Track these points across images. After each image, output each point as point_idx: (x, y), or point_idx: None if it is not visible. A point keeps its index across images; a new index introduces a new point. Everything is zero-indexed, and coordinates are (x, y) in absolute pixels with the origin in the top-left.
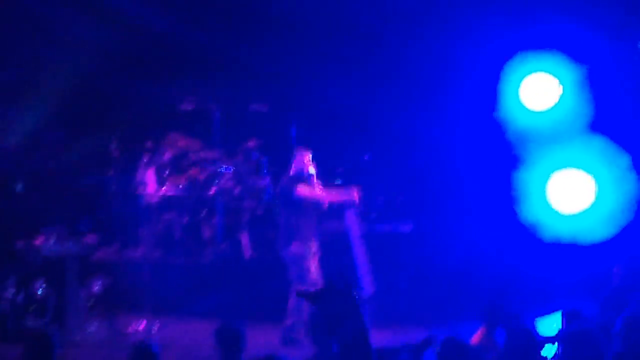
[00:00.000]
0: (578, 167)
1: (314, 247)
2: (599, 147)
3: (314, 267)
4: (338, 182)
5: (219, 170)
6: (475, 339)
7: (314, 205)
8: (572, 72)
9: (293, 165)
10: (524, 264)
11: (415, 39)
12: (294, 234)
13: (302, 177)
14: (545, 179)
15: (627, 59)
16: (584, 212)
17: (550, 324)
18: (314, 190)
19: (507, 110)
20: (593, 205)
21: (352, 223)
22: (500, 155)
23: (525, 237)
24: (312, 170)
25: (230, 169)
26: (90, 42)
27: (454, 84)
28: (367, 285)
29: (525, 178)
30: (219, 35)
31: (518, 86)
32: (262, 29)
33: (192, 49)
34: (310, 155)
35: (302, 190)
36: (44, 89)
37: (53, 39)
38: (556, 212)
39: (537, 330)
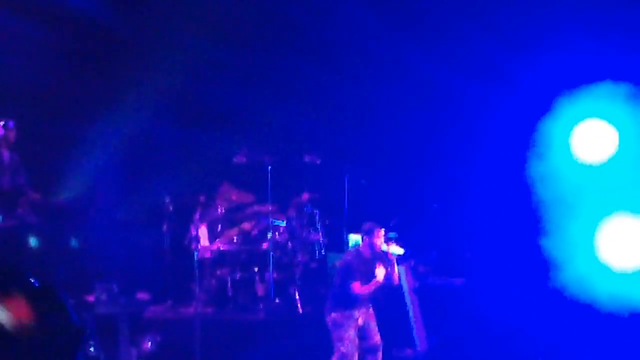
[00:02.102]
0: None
1: (357, 315)
2: None
3: (349, 337)
4: (392, 235)
5: (271, 224)
6: None
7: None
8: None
9: (364, 243)
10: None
11: (469, 88)
12: (339, 301)
13: (374, 257)
14: (594, 230)
15: None
16: None
17: None
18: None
19: (554, 162)
20: None
21: (405, 278)
22: (547, 211)
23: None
24: (393, 250)
25: (283, 223)
26: (143, 95)
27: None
28: (421, 340)
29: (572, 232)
30: (269, 89)
31: (568, 135)
32: (312, 81)
33: (244, 103)
34: (383, 232)
35: (358, 286)
36: (98, 143)
37: (104, 94)
38: (609, 268)
39: None
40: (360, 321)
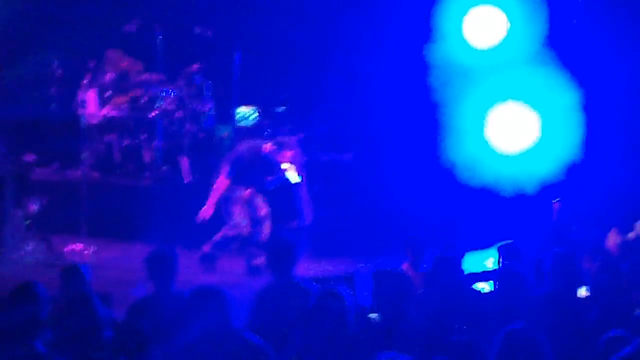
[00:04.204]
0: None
1: (244, 189)
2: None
3: (237, 211)
4: (282, 109)
5: (161, 93)
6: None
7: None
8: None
9: (269, 147)
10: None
11: None
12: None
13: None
14: (483, 115)
15: None
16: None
17: (482, 260)
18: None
19: (446, 47)
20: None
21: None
22: (438, 90)
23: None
24: (290, 174)
25: (172, 92)
26: None
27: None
28: (307, 214)
29: (463, 114)
30: None
31: (460, 21)
32: None
33: None
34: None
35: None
36: None
37: None
38: (495, 151)
39: (466, 264)
40: (246, 195)
